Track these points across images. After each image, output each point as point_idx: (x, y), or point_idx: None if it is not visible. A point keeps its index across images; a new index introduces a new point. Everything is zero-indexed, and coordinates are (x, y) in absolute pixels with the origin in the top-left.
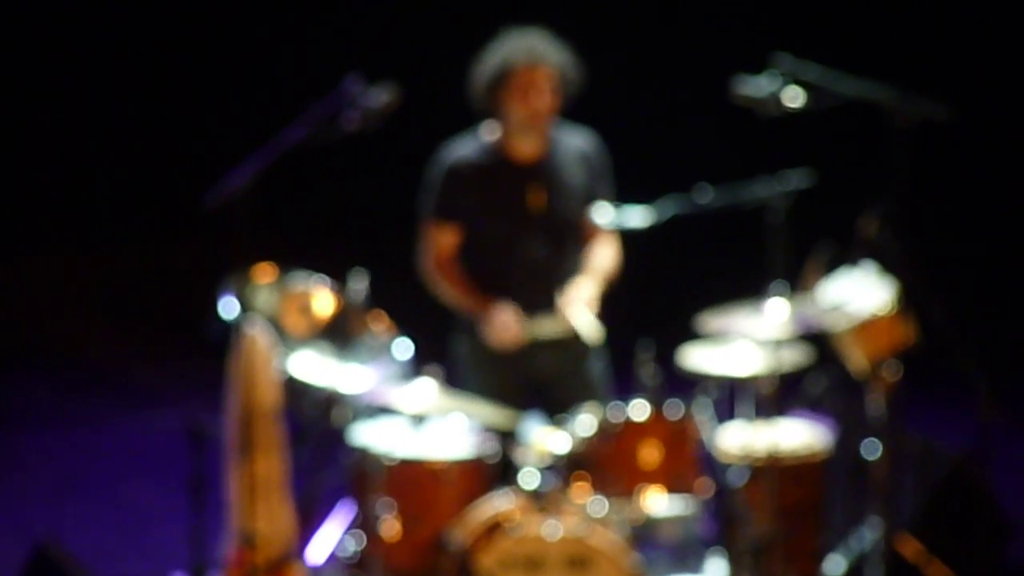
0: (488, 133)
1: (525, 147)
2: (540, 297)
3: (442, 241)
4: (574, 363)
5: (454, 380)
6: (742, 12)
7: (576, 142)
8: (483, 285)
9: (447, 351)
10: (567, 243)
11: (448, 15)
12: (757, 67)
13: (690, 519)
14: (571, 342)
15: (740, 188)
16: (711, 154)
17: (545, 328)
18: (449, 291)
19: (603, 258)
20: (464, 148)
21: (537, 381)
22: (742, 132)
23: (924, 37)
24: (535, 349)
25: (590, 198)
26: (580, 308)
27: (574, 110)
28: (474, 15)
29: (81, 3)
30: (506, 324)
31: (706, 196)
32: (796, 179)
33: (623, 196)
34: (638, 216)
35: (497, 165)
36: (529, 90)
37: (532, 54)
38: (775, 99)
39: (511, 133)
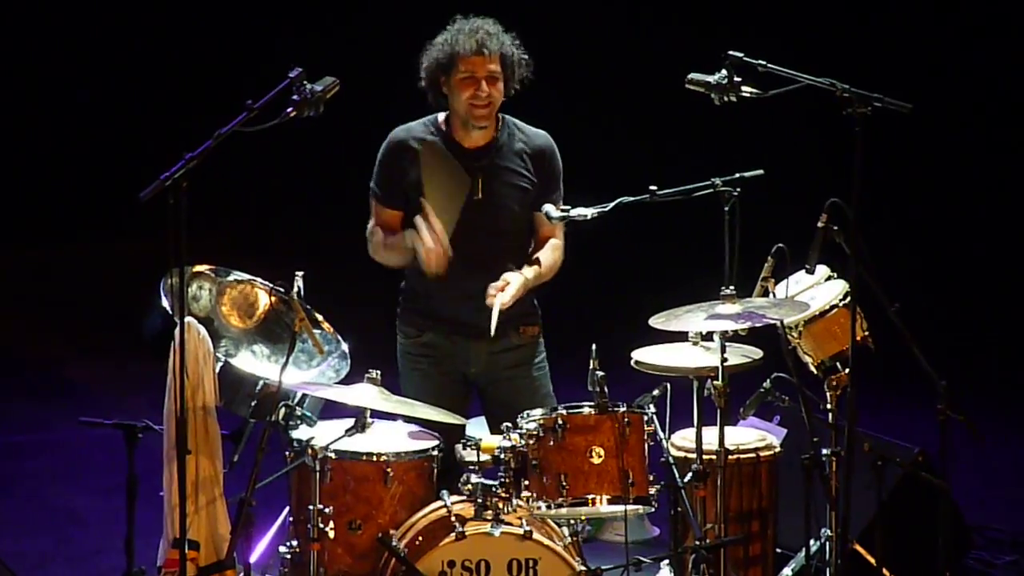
0: (441, 119)
1: (470, 135)
2: (477, 286)
3: (383, 218)
4: (512, 369)
5: (397, 381)
6: (698, 14)
7: (527, 139)
8: (421, 280)
9: (385, 354)
10: (506, 235)
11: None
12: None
13: (638, 520)
14: (509, 348)
15: (691, 185)
16: (664, 154)
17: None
18: (389, 247)
19: (545, 255)
20: (414, 128)
21: (477, 382)
22: (696, 132)
23: (876, 33)
24: (468, 347)
25: (535, 195)
26: (498, 299)
27: (528, 106)
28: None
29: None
30: (431, 243)
31: (656, 191)
32: (749, 177)
33: (574, 196)
34: (584, 209)
35: (443, 146)
36: (472, 78)
37: (478, 43)
38: (728, 84)
39: (456, 120)
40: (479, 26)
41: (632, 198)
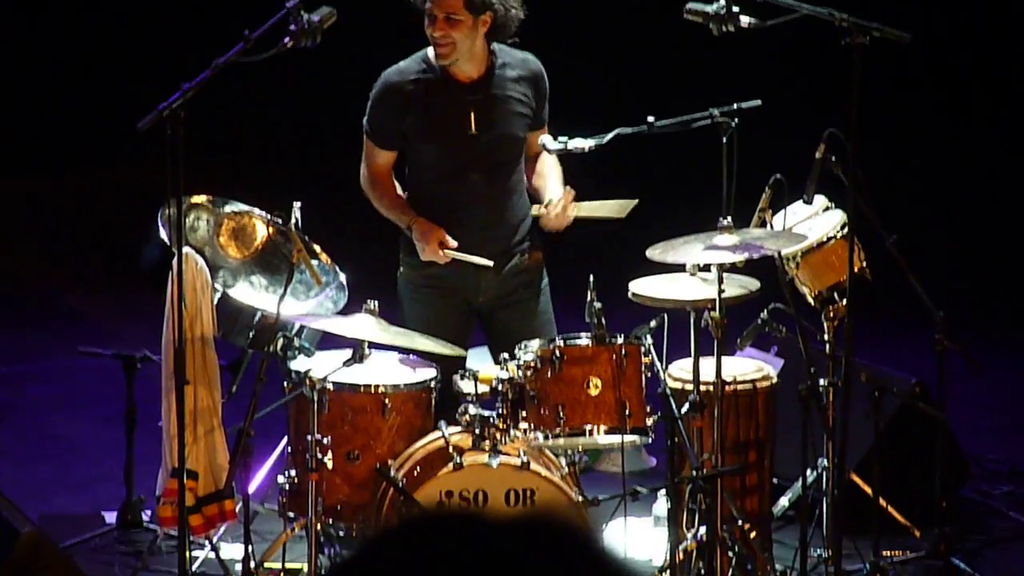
0: (431, 53)
1: (461, 68)
2: (482, 217)
3: (377, 159)
4: (518, 292)
5: (399, 311)
6: None
7: (520, 64)
8: (429, 208)
9: (384, 285)
10: (507, 165)
11: None
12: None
13: (635, 451)
14: (516, 271)
15: (689, 115)
16: (662, 84)
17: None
18: (382, 205)
19: (557, 169)
20: (407, 69)
21: (481, 310)
22: (693, 61)
23: None
24: (477, 275)
25: (532, 119)
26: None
27: (521, 33)
28: None
29: None
30: (431, 236)
31: (654, 122)
32: (747, 108)
33: (570, 126)
34: (583, 140)
35: (437, 84)
36: (431, 16)
37: None
38: (727, 14)
39: None
40: None
41: (630, 129)
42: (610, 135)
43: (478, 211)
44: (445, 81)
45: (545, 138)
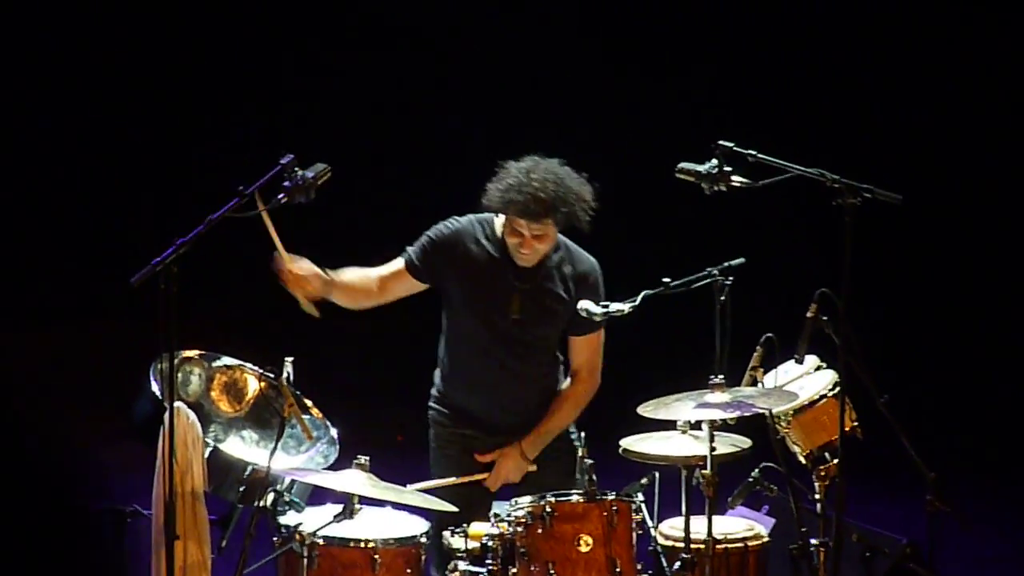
0: (499, 225)
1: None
2: (509, 393)
3: (398, 281)
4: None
5: (385, 467)
6: (692, 109)
7: (574, 263)
8: (460, 377)
9: (375, 440)
10: (537, 350)
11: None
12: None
13: None
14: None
15: (694, 276)
16: (657, 244)
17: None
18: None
19: (555, 418)
20: (475, 230)
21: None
22: (684, 219)
23: (866, 123)
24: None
25: (567, 317)
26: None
27: None
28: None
29: None
30: (301, 274)
31: (669, 282)
32: (737, 266)
33: None
34: (619, 304)
35: (495, 260)
36: (519, 232)
37: (528, 210)
38: (719, 174)
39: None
40: (537, 189)
41: (652, 291)
42: (639, 298)
43: (505, 386)
44: (503, 260)
45: (588, 304)
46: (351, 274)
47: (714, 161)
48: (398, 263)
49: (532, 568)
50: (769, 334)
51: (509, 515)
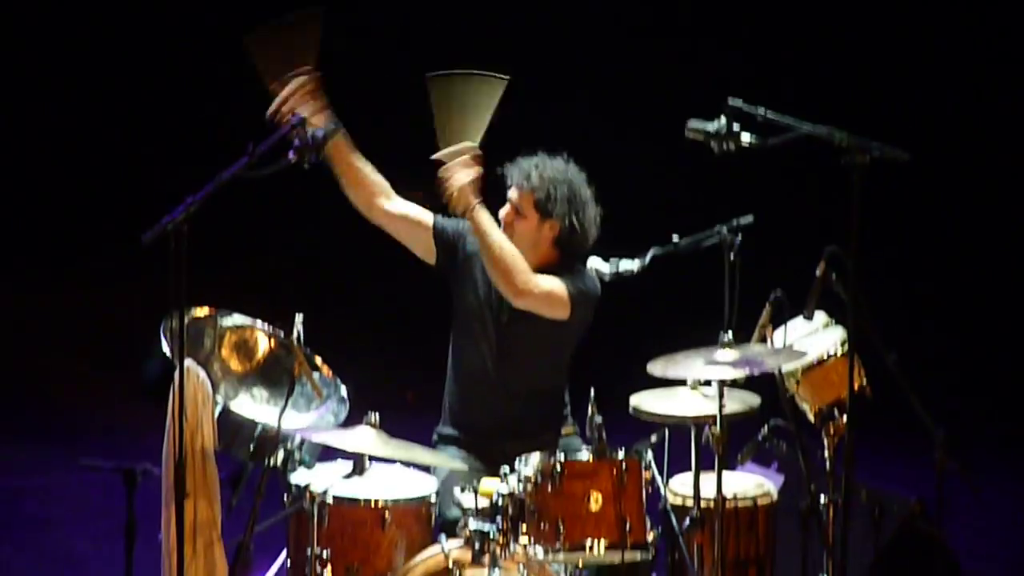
0: None
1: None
2: (513, 407)
3: (413, 215)
4: None
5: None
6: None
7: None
8: (457, 395)
9: (385, 398)
10: (533, 372)
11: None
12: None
13: (636, 567)
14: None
15: (702, 233)
16: (665, 202)
17: None
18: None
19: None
20: None
21: None
22: (695, 179)
23: (875, 82)
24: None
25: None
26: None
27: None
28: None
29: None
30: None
31: (679, 241)
32: (747, 224)
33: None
34: (629, 262)
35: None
36: (509, 200)
37: (517, 175)
38: (727, 134)
39: None
40: (537, 163)
41: (661, 249)
42: (648, 256)
43: (509, 399)
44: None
45: (598, 261)
46: (375, 174)
47: (723, 119)
48: (427, 212)
49: (542, 526)
50: (778, 291)
51: (518, 472)
